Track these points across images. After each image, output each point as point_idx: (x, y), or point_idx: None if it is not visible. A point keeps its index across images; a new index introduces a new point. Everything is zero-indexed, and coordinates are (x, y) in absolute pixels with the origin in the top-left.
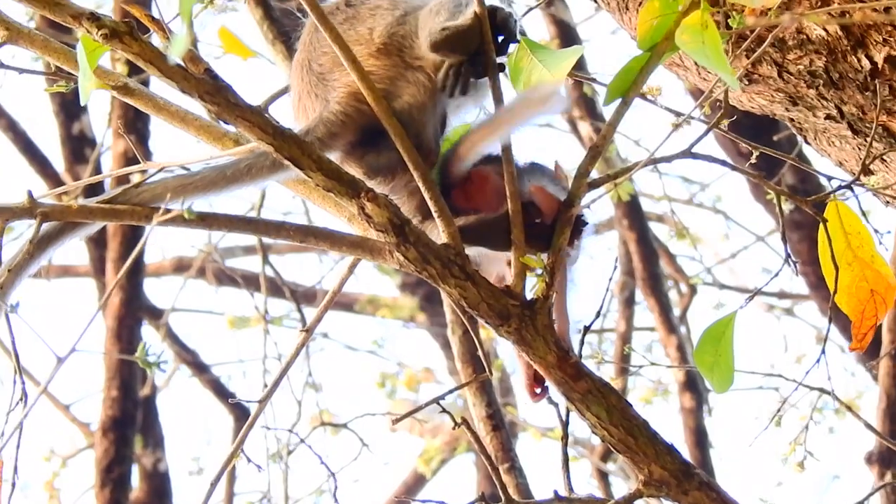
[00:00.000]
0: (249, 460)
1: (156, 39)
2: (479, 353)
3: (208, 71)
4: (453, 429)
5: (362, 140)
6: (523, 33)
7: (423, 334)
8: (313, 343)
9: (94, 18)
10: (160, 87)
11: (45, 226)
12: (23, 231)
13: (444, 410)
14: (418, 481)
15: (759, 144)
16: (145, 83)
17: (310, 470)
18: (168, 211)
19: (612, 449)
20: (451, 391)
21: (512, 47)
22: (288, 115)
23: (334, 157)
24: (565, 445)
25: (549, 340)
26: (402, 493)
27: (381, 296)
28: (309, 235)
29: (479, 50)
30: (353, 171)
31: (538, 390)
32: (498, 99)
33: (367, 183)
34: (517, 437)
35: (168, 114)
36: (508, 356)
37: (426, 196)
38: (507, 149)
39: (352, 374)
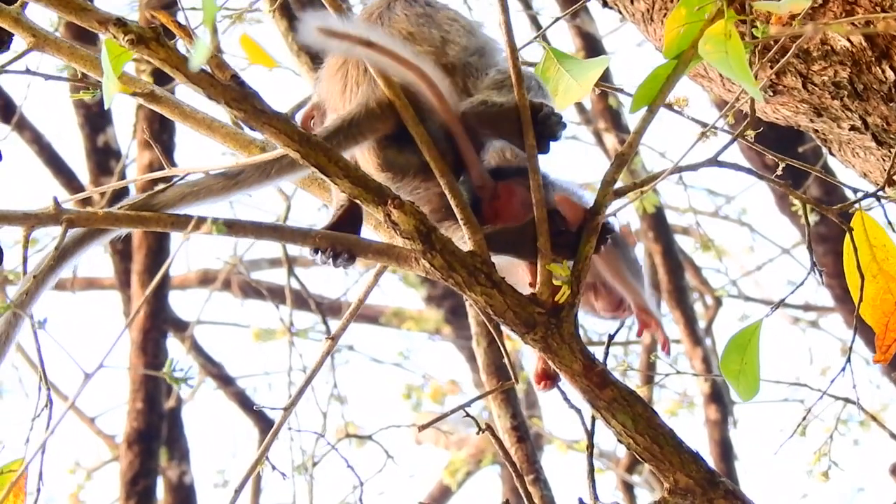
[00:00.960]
0: (274, 468)
1: (182, 46)
2: (506, 361)
3: (235, 77)
4: (477, 433)
5: (393, 135)
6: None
7: (449, 347)
8: (339, 355)
9: (121, 24)
10: (185, 94)
11: (70, 233)
12: (46, 243)
13: (468, 416)
14: (444, 493)
15: (785, 156)
16: (171, 92)
17: (335, 482)
18: (199, 221)
19: (637, 458)
20: (476, 398)
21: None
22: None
23: (361, 146)
24: (590, 455)
25: (574, 349)
26: None
27: (407, 308)
28: (336, 242)
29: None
30: (368, 160)
31: (544, 382)
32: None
33: (378, 176)
34: (542, 449)
35: (194, 121)
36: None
37: (452, 203)
38: (532, 157)
39: (377, 386)
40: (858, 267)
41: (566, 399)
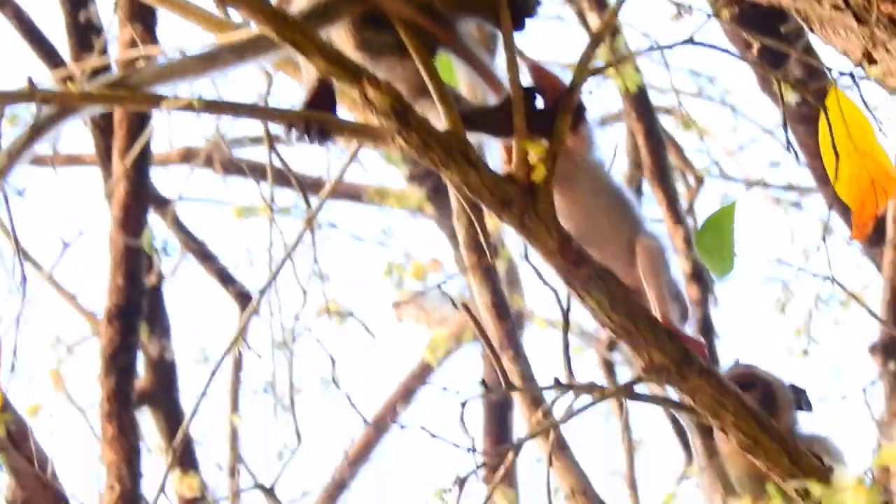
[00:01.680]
0: (249, 347)
1: None
2: (482, 240)
3: None
4: (454, 310)
5: (370, 15)
6: None
7: (431, 225)
8: (320, 233)
9: None
10: None
11: (45, 110)
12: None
13: (445, 294)
14: (425, 371)
15: (767, 36)
16: None
17: (315, 359)
18: (176, 98)
19: (612, 336)
20: (454, 276)
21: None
22: None
23: (337, 25)
24: (566, 333)
25: (550, 227)
26: (409, 383)
27: (389, 186)
28: (311, 120)
29: None
30: (344, 40)
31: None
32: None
33: (353, 56)
34: (523, 326)
35: (170, 3)
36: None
37: (428, 81)
38: (508, 35)
39: (359, 264)
40: (833, 146)
41: (540, 277)
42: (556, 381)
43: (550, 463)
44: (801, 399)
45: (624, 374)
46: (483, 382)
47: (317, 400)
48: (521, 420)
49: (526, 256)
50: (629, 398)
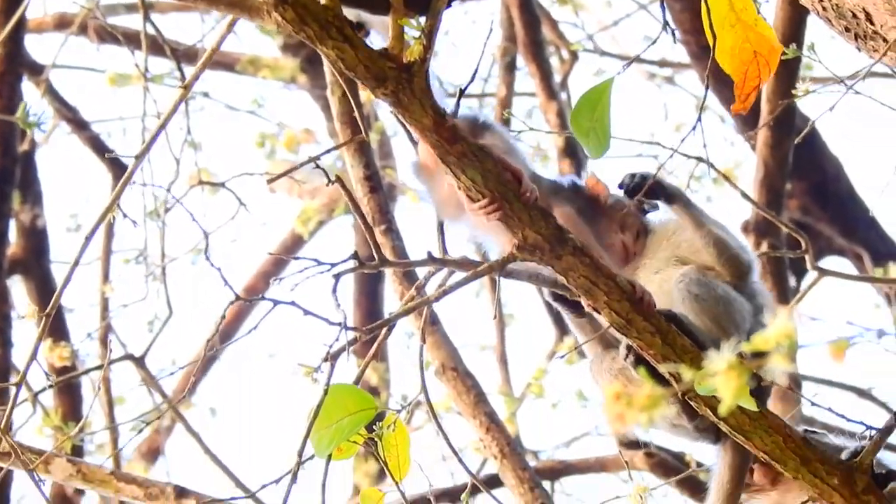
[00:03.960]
0: (125, 215)
1: None
2: (356, 114)
3: None
4: (327, 185)
5: None
6: None
7: (304, 96)
8: (193, 102)
9: None
10: None
11: None
12: None
13: (318, 167)
14: (296, 242)
15: None
16: None
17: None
18: None
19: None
20: (328, 151)
21: None
22: None
23: None
24: None
25: (425, 104)
26: (279, 254)
27: (263, 56)
28: None
29: None
30: None
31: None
32: None
33: None
34: (395, 200)
35: None
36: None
37: None
38: None
39: (231, 134)
40: (710, 23)
41: (416, 148)
42: (430, 255)
43: (423, 339)
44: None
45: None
46: (355, 255)
47: (188, 270)
48: (392, 295)
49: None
50: (502, 276)
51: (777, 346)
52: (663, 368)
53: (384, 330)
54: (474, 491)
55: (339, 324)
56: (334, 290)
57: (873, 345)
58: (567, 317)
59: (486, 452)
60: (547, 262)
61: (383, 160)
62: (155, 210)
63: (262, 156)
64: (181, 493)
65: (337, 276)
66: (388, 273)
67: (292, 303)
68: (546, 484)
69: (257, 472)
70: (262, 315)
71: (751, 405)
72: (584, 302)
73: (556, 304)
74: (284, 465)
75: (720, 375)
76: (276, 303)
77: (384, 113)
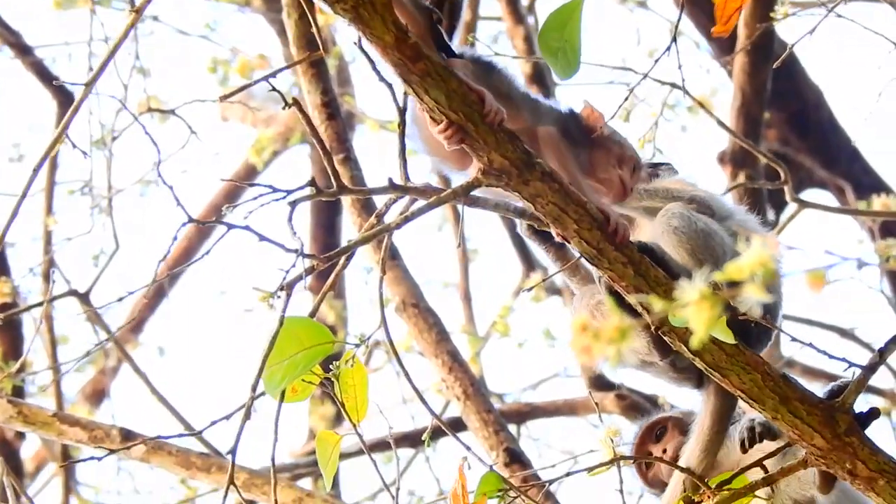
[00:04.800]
0: (74, 146)
1: None
2: (315, 31)
3: None
4: (283, 108)
5: None
6: None
7: (259, 19)
8: (142, 26)
9: None
10: None
11: None
12: None
13: (274, 89)
14: (249, 173)
15: None
16: None
17: (135, 158)
18: None
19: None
20: (284, 68)
21: None
22: None
23: None
24: (402, 133)
25: (387, 19)
26: (230, 186)
27: None
28: None
29: None
30: None
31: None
32: None
33: None
34: (354, 128)
35: None
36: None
37: None
38: None
39: (182, 59)
40: None
41: (377, 72)
42: (391, 182)
43: (384, 270)
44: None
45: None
46: (313, 182)
47: (136, 202)
48: (350, 227)
49: (360, 46)
50: (467, 204)
51: (752, 276)
52: (634, 300)
53: (343, 260)
54: (437, 433)
55: (296, 251)
56: (290, 219)
57: (856, 283)
58: (546, 254)
59: (449, 394)
60: (514, 187)
61: (341, 87)
62: (102, 139)
63: (214, 82)
64: (127, 435)
65: (293, 204)
66: (346, 205)
67: (247, 227)
68: (512, 427)
69: (207, 414)
70: (213, 250)
71: (728, 338)
72: (553, 231)
73: (530, 239)
74: (236, 403)
75: (691, 306)
76: (230, 227)
77: (343, 37)
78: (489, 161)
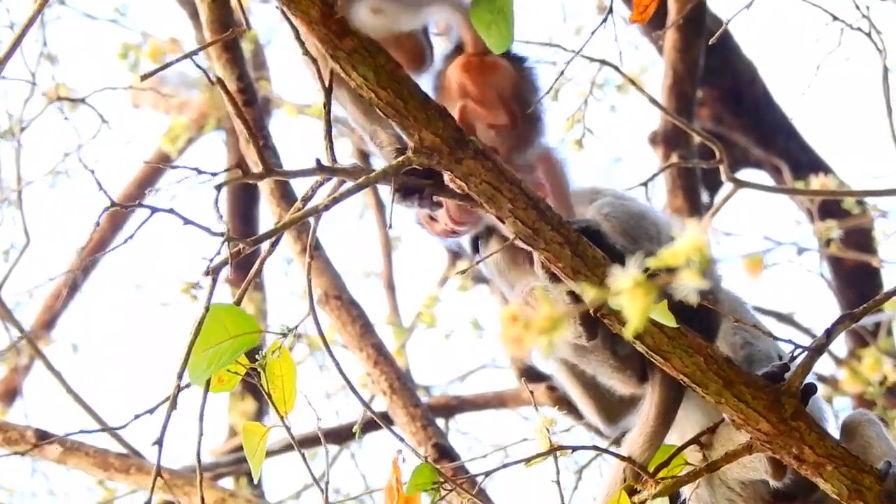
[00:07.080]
0: None
1: None
2: (237, 8)
3: None
4: (210, 83)
5: None
6: None
7: (170, 2)
8: (49, 11)
9: None
10: None
11: None
12: None
13: (199, 68)
14: (163, 161)
15: None
16: None
17: (45, 148)
18: None
19: (380, 113)
20: (197, 50)
21: None
22: None
23: None
24: (328, 114)
25: None
26: (146, 174)
27: None
28: None
29: None
30: None
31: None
32: None
33: None
34: (270, 114)
35: None
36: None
37: None
38: None
39: (91, 45)
40: None
41: (303, 48)
42: (318, 163)
43: (311, 255)
44: None
45: (381, 163)
46: (239, 164)
47: (46, 195)
48: (269, 218)
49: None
50: (397, 188)
51: (688, 261)
52: (573, 284)
53: (268, 245)
54: (363, 429)
55: (222, 234)
56: (216, 202)
57: (794, 267)
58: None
59: (374, 388)
60: (446, 166)
61: (257, 71)
62: (9, 129)
63: (124, 68)
64: (42, 435)
65: (219, 188)
66: (265, 194)
67: (171, 210)
68: (440, 422)
69: (124, 413)
70: (135, 235)
71: (668, 321)
72: (487, 211)
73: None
74: (155, 401)
75: (625, 294)
76: (154, 210)
77: (258, 20)
78: (420, 139)
